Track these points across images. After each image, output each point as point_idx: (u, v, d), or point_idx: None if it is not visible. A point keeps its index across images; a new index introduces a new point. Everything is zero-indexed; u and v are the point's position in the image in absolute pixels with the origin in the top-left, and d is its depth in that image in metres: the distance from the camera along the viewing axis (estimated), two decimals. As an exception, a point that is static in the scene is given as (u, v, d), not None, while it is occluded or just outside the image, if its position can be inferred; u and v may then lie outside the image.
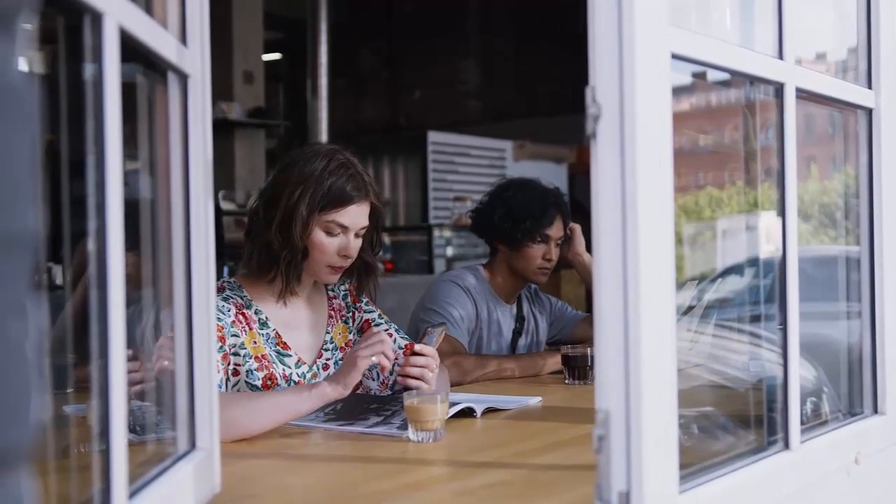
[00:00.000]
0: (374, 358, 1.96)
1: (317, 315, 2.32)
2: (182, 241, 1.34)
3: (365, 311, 2.40)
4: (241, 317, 2.15)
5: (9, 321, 0.51)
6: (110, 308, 0.99)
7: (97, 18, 0.98)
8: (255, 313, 2.20)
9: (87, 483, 1.05)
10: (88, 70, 1.00)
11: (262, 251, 2.18)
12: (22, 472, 0.53)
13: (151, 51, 1.17)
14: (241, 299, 2.19)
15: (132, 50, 1.10)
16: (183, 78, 1.33)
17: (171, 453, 1.33)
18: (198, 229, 1.35)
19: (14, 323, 0.51)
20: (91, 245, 1.00)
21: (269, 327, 2.20)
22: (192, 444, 1.35)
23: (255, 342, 2.15)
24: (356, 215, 2.18)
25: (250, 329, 2.16)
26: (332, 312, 2.35)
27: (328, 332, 2.32)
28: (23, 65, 0.52)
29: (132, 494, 1.08)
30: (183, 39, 1.33)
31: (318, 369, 2.26)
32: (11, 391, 0.51)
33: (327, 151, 2.20)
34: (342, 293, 2.40)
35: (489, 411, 2.14)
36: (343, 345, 2.34)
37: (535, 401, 2.31)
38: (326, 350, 2.31)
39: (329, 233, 2.17)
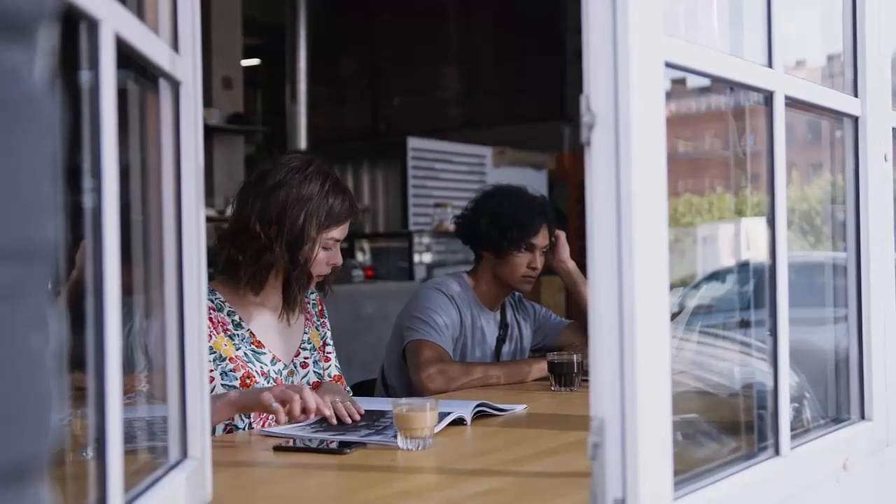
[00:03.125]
0: (274, 405, 1.91)
1: (281, 317, 2.37)
2: (174, 249, 1.33)
3: (327, 328, 2.49)
4: (208, 321, 2.16)
5: (30, 332, 0.50)
6: (106, 316, 0.98)
7: (94, 25, 0.97)
8: (228, 315, 2.25)
9: (80, 492, 1.04)
10: (84, 76, 0.99)
11: (264, 270, 2.23)
12: (41, 485, 0.52)
13: (145, 58, 1.16)
14: (212, 302, 2.23)
15: (125, 57, 1.09)
16: (175, 85, 1.32)
17: (161, 462, 1.32)
18: (190, 237, 1.34)
19: (35, 334, 0.51)
20: (86, 252, 0.99)
21: (243, 328, 2.26)
22: (184, 454, 1.34)
23: (225, 344, 2.21)
24: (346, 228, 2.31)
25: (218, 333, 2.21)
26: (308, 315, 2.44)
27: (306, 333, 2.40)
28: (42, 75, 0.52)
29: (126, 504, 1.07)
30: (175, 46, 1.32)
31: (295, 367, 2.34)
32: (34, 402, 0.50)
33: (317, 171, 2.27)
34: (312, 301, 2.48)
35: (479, 416, 2.14)
36: (318, 347, 2.43)
37: (521, 408, 2.31)
38: (305, 349, 2.39)
39: (325, 248, 2.27)
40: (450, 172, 8.21)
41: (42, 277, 0.52)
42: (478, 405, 2.15)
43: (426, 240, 7.51)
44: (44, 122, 0.51)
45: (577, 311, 3.30)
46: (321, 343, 2.44)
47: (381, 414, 2.14)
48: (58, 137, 0.54)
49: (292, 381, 2.31)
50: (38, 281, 0.51)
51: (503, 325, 3.11)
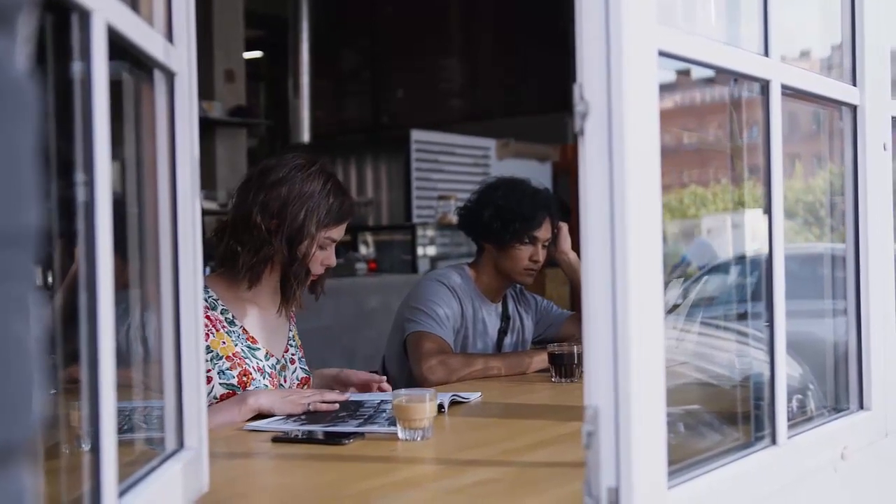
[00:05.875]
0: (311, 406, 2.11)
1: (280, 312, 2.39)
2: (169, 242, 1.33)
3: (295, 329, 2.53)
4: (205, 320, 2.19)
5: (12, 317, 0.50)
6: (99, 308, 0.98)
7: (85, 16, 0.97)
8: (221, 313, 2.27)
9: (75, 483, 1.05)
10: (76, 68, 0.99)
11: (262, 263, 2.25)
12: (23, 468, 0.53)
13: (139, 49, 1.16)
14: (206, 301, 2.23)
15: (118, 48, 1.09)
16: (170, 76, 1.32)
17: (158, 452, 1.32)
18: (185, 229, 1.35)
19: (17, 319, 0.51)
20: (79, 246, 0.99)
21: (236, 325, 2.27)
22: (181, 444, 1.35)
23: (223, 342, 2.23)
24: (343, 230, 2.33)
25: (217, 330, 2.23)
26: (292, 314, 2.46)
27: (291, 330, 2.44)
28: (23, 63, 0.52)
29: (121, 493, 1.07)
30: (169, 37, 1.32)
31: (286, 362, 2.37)
32: (15, 387, 0.50)
33: (320, 170, 2.29)
34: None
35: (453, 404, 2.19)
36: (299, 345, 2.47)
37: (476, 396, 2.34)
38: (291, 345, 2.42)
39: (321, 247, 2.28)
40: (453, 165, 8.20)
41: (24, 263, 0.52)
42: (451, 401, 2.19)
43: (430, 232, 7.51)
44: (25, 110, 0.51)
45: (580, 303, 3.30)
46: (300, 342, 2.47)
47: (359, 405, 2.16)
48: (38, 125, 0.54)
49: (284, 377, 2.33)
50: (19, 266, 0.51)
51: (505, 317, 3.11)
